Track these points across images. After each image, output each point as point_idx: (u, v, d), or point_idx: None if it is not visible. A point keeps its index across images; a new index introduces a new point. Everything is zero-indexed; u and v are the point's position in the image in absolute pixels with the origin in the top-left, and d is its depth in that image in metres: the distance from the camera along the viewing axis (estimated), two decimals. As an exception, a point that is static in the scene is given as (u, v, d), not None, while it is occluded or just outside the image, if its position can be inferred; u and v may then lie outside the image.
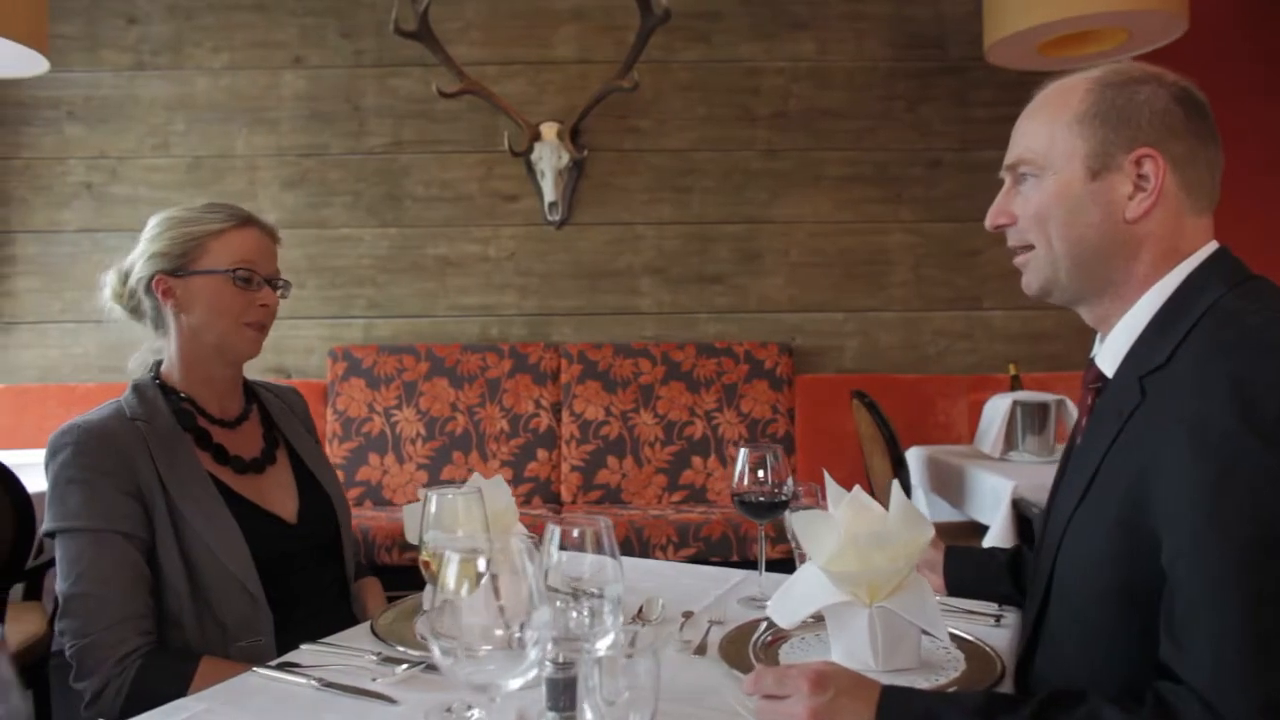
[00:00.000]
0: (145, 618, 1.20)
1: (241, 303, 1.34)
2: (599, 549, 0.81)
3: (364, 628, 1.19)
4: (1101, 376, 0.98)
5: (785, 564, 1.34)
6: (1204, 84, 0.98)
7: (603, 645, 0.81)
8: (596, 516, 0.82)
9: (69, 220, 3.56)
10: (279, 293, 1.40)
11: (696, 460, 3.38)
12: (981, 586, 1.27)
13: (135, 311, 1.39)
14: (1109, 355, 0.97)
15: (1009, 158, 1.02)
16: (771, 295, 3.63)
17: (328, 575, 1.41)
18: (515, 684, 0.71)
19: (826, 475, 1.09)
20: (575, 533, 0.81)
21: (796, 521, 1.03)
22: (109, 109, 3.57)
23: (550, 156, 3.46)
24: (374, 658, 1.06)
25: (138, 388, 1.34)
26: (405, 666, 1.02)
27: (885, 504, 1.05)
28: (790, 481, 1.31)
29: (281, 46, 3.59)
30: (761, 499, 1.30)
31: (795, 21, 3.63)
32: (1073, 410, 2.65)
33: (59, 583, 1.20)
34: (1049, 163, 0.97)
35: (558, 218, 3.57)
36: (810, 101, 3.63)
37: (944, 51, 3.63)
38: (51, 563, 1.98)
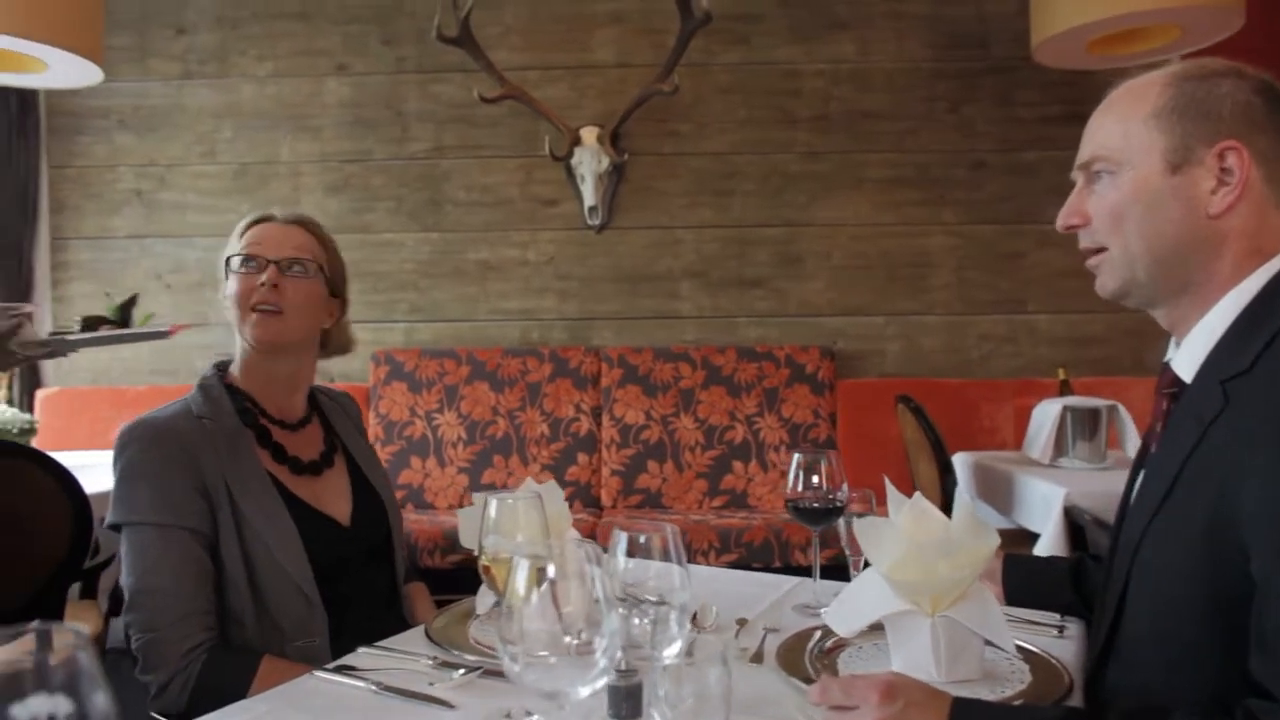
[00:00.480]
0: (209, 613, 1.21)
1: (246, 288, 1.33)
2: (665, 556, 0.80)
3: (419, 631, 1.19)
4: (1178, 381, 0.95)
5: (831, 570, 1.32)
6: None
7: (669, 653, 0.80)
8: (662, 523, 0.80)
9: (119, 227, 3.64)
10: (278, 267, 1.32)
11: (737, 465, 3.36)
12: (1042, 596, 1.23)
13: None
14: (1186, 359, 0.94)
15: (1081, 156, 0.99)
16: (812, 299, 3.60)
17: (380, 578, 1.42)
18: (585, 691, 0.70)
19: (886, 481, 1.07)
20: (642, 539, 0.80)
21: (859, 528, 1.01)
22: (158, 118, 3.65)
23: (590, 161, 3.47)
24: (430, 662, 1.06)
25: (204, 386, 1.36)
26: (462, 672, 1.02)
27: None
28: (845, 487, 1.29)
29: (325, 54, 3.64)
30: (816, 505, 1.29)
31: (835, 22, 3.60)
32: (1125, 416, 2.59)
33: (124, 576, 1.22)
34: (1126, 158, 0.94)
35: (598, 222, 3.57)
36: (851, 103, 3.59)
37: (987, 51, 3.58)
38: (107, 562, 2.02)
